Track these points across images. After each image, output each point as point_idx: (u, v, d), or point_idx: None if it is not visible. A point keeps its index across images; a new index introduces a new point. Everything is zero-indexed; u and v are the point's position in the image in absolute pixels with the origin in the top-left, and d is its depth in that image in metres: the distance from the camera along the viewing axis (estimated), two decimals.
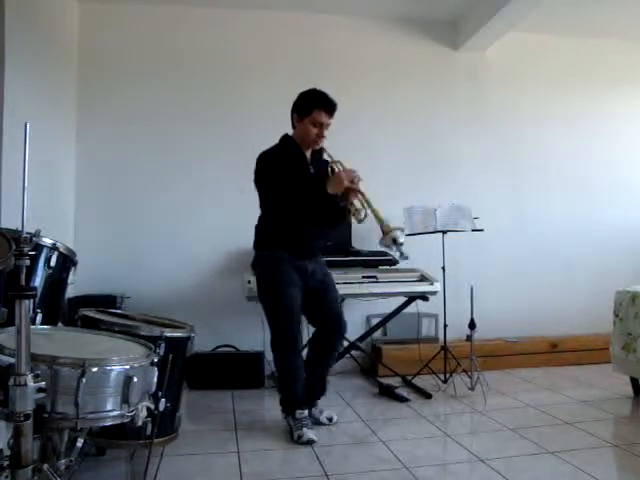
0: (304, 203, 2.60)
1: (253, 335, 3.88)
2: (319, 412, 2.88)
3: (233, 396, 3.47)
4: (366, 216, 2.55)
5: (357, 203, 2.59)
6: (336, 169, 2.68)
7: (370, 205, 2.53)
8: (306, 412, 2.73)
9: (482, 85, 4.55)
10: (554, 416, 2.94)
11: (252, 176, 4.41)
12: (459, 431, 2.82)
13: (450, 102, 4.47)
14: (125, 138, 4.06)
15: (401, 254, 2.47)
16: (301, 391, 2.77)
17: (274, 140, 4.09)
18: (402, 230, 2.49)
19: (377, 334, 4.03)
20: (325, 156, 2.79)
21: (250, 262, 2.92)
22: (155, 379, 1.76)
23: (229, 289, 3.95)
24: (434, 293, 3.59)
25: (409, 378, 3.68)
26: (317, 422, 2.82)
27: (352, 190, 2.55)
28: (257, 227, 2.86)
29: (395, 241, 2.43)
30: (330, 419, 2.86)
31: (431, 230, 3.70)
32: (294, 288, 2.69)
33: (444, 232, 3.70)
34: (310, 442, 2.57)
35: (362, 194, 2.56)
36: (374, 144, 4.29)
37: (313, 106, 2.66)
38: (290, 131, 2.83)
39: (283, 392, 2.80)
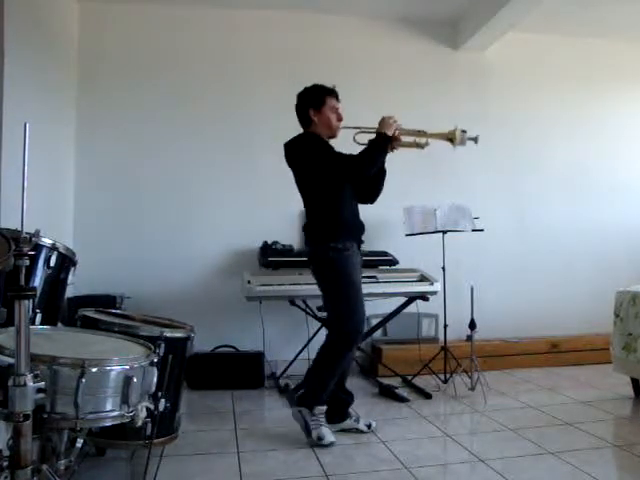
0: (364, 159, 2.65)
1: (253, 335, 3.89)
2: (354, 421, 2.78)
3: (233, 396, 3.47)
4: (427, 142, 2.76)
5: (409, 138, 2.76)
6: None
7: (421, 132, 2.74)
8: (325, 408, 2.67)
9: (482, 85, 4.55)
10: (554, 416, 2.94)
11: (252, 176, 4.42)
12: (459, 431, 2.82)
13: (450, 102, 4.46)
14: (125, 138, 4.06)
15: (475, 139, 2.75)
16: (331, 390, 2.72)
17: (274, 139, 4.06)
18: (462, 130, 2.71)
19: (377, 334, 4.03)
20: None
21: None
22: (155, 379, 1.75)
23: (229, 289, 3.94)
24: (434, 293, 3.59)
25: (409, 378, 3.68)
26: (357, 431, 2.74)
27: (396, 127, 2.71)
28: (314, 220, 2.76)
29: (470, 138, 2.72)
30: (369, 426, 2.75)
31: (431, 230, 3.71)
32: (360, 282, 2.72)
33: (444, 232, 3.70)
34: (332, 444, 2.54)
35: (406, 130, 2.73)
36: None
37: (324, 95, 2.76)
38: (288, 133, 2.81)
39: (314, 384, 2.69)
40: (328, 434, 2.57)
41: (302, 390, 2.76)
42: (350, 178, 2.70)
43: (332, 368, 2.67)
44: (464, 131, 2.70)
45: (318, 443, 2.54)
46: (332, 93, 2.77)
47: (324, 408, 2.67)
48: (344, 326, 2.65)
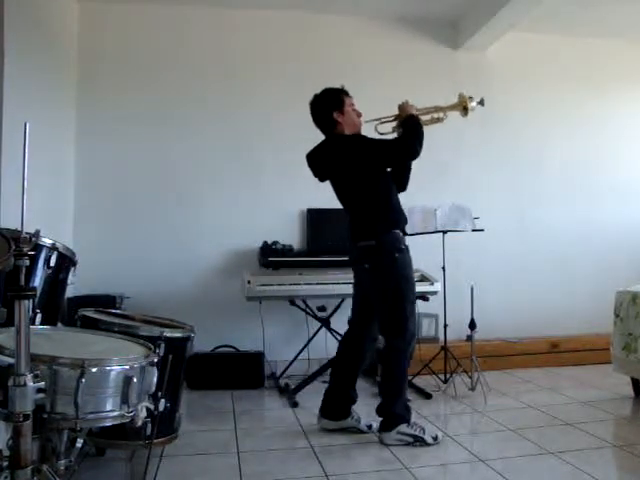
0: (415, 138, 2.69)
1: (253, 335, 3.89)
2: (355, 420, 2.77)
3: (233, 396, 3.47)
4: (445, 114, 2.90)
5: (427, 117, 2.88)
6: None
7: (437, 107, 2.87)
8: (411, 412, 2.67)
9: (482, 85, 4.51)
10: (554, 416, 2.94)
11: (252, 176, 4.41)
12: (459, 431, 2.82)
13: (450, 102, 4.46)
14: (125, 138, 4.06)
15: (481, 102, 2.92)
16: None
17: (274, 139, 4.09)
18: (469, 97, 2.87)
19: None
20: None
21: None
22: (155, 379, 1.75)
23: (229, 289, 3.94)
24: (434, 293, 3.59)
25: (409, 378, 3.67)
26: (357, 431, 2.73)
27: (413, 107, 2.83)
28: (372, 215, 2.71)
29: (479, 102, 2.89)
30: (369, 426, 2.74)
31: (431, 230, 3.70)
32: None
33: (444, 232, 3.70)
34: (438, 437, 2.59)
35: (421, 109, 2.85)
36: None
37: (341, 95, 2.80)
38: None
39: (395, 398, 2.64)
40: (433, 431, 2.61)
41: (381, 418, 2.65)
42: (404, 160, 2.77)
43: (405, 372, 2.68)
44: (471, 97, 2.86)
45: (436, 442, 2.55)
46: (345, 92, 2.82)
47: (411, 412, 2.67)
48: (408, 327, 2.64)
